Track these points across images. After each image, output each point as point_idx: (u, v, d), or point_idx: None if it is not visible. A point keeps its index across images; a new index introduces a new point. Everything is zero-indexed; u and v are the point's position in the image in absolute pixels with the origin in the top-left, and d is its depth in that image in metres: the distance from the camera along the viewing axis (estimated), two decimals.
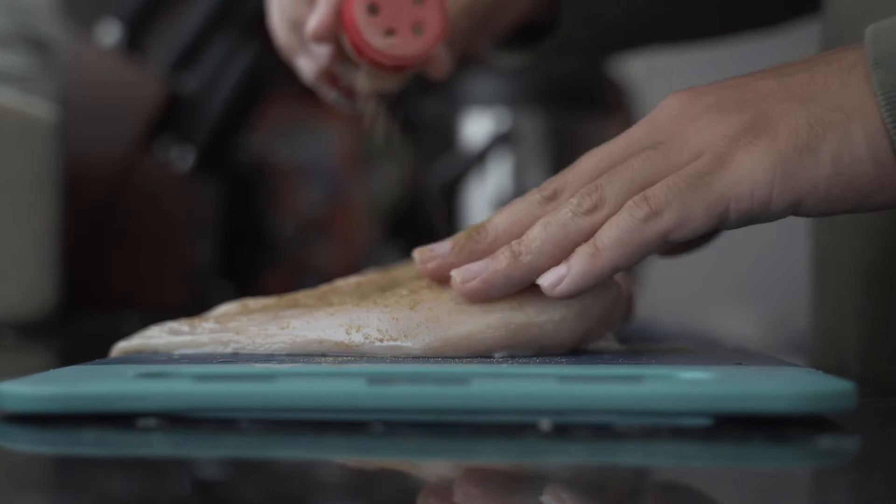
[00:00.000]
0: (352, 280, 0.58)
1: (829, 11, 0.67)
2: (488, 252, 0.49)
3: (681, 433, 0.37)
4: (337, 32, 0.60)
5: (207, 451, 0.36)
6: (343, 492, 0.32)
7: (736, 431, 0.37)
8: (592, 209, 0.47)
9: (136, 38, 1.15)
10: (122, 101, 1.12)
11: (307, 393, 0.38)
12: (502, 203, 1.31)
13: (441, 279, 0.50)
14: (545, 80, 1.37)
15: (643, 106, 1.48)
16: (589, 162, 0.50)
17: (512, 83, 1.37)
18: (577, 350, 0.51)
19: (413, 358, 0.48)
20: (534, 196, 0.50)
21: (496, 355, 0.49)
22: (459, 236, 0.51)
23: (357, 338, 0.49)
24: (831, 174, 0.46)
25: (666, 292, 1.60)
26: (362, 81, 0.63)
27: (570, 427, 0.38)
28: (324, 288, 0.57)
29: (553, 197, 0.49)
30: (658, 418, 0.38)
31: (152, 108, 1.12)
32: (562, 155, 1.34)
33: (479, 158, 1.36)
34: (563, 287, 0.47)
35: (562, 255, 0.47)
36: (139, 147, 1.12)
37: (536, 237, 0.48)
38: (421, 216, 1.52)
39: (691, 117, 0.48)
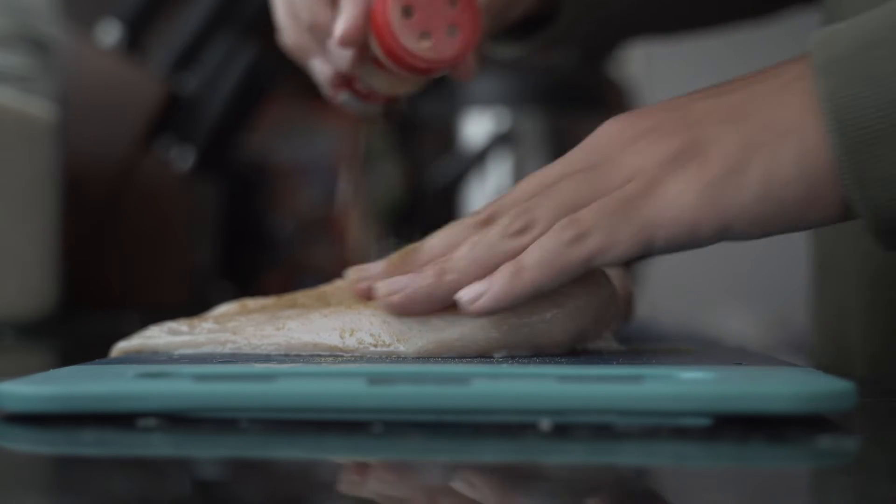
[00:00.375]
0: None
1: (828, 3, 0.67)
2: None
3: (681, 433, 0.37)
4: (365, 36, 0.59)
5: (207, 451, 0.36)
6: (343, 492, 0.32)
7: (736, 431, 0.37)
8: (521, 231, 0.47)
9: (136, 38, 1.15)
10: (122, 101, 1.12)
11: (307, 393, 0.38)
12: None
13: (370, 299, 0.50)
14: (545, 80, 1.37)
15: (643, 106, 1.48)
16: (525, 186, 0.49)
17: (512, 83, 1.37)
18: (576, 350, 0.51)
19: (412, 359, 0.48)
20: (469, 220, 0.49)
21: (496, 355, 0.49)
22: (393, 257, 0.51)
23: (351, 342, 0.49)
24: (760, 197, 0.45)
25: (666, 292, 1.60)
26: (383, 84, 0.62)
27: (570, 427, 0.38)
28: (323, 288, 0.57)
29: (488, 221, 0.48)
30: (658, 418, 0.38)
31: (152, 108, 1.12)
32: (561, 155, 1.35)
33: (479, 158, 1.36)
34: (481, 304, 0.46)
35: (487, 275, 0.47)
36: (139, 147, 1.12)
37: (463, 257, 0.47)
38: (421, 216, 1.52)
39: (628, 140, 0.48)
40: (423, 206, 1.51)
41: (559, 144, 1.33)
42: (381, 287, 0.48)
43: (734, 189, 0.45)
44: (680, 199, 0.45)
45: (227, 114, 1.16)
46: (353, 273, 0.51)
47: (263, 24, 1.28)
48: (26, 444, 0.38)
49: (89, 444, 0.37)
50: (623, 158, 0.47)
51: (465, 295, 0.47)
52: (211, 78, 1.16)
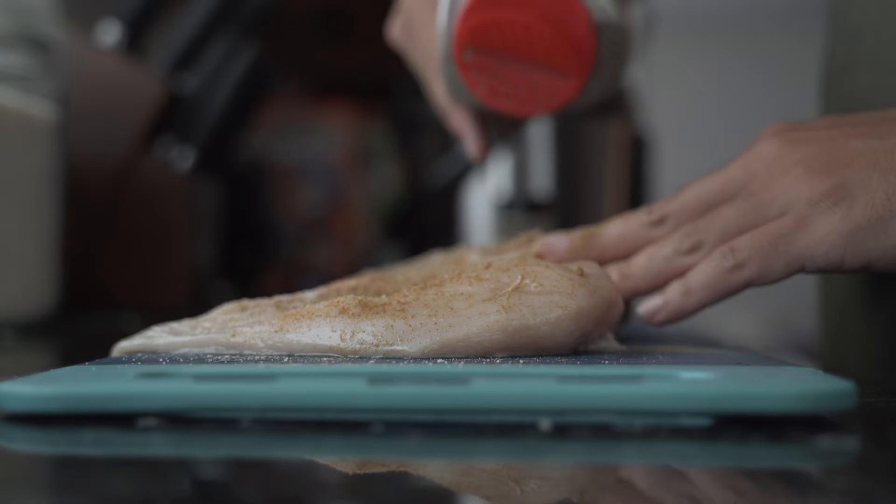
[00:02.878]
0: (350, 282, 0.58)
1: (834, 12, 0.67)
2: (596, 258, 0.56)
3: (681, 433, 0.37)
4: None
5: (207, 451, 0.36)
6: (343, 492, 0.32)
7: (736, 431, 0.37)
8: (691, 251, 0.54)
9: (136, 38, 1.15)
10: (122, 101, 1.12)
11: (307, 393, 0.38)
12: (502, 204, 1.32)
13: None
14: None
15: (643, 108, 1.48)
16: (691, 195, 0.56)
17: None
18: (577, 350, 0.51)
19: (414, 360, 0.48)
20: (642, 217, 0.57)
21: (497, 356, 0.49)
22: (576, 238, 0.58)
23: (352, 343, 0.49)
24: None
25: None
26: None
27: (570, 427, 0.38)
28: (322, 290, 0.57)
29: (659, 222, 0.56)
30: (658, 418, 0.38)
31: (152, 109, 1.12)
32: (562, 154, 1.34)
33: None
34: (661, 317, 0.54)
35: (659, 283, 0.55)
36: (139, 147, 1.12)
37: (642, 267, 0.55)
38: (421, 216, 1.52)
39: (781, 170, 0.53)
40: (423, 206, 1.51)
41: (559, 144, 1.33)
42: None
43: (878, 235, 0.51)
44: (828, 238, 0.51)
45: (227, 114, 1.16)
46: (539, 246, 0.58)
47: (263, 24, 1.28)
48: (26, 444, 0.38)
49: (89, 444, 0.37)
50: (776, 190, 0.53)
51: (645, 309, 0.55)
52: (211, 78, 1.16)
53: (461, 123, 0.69)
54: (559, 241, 0.58)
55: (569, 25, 0.57)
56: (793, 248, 0.52)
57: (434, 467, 0.36)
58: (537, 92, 0.59)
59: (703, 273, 0.53)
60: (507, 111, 0.60)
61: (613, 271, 0.56)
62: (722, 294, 0.53)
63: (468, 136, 0.69)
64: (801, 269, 0.52)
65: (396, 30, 0.71)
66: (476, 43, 0.58)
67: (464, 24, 0.58)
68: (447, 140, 1.43)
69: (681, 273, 0.54)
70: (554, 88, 0.59)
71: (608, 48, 0.60)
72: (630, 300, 0.57)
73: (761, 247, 0.52)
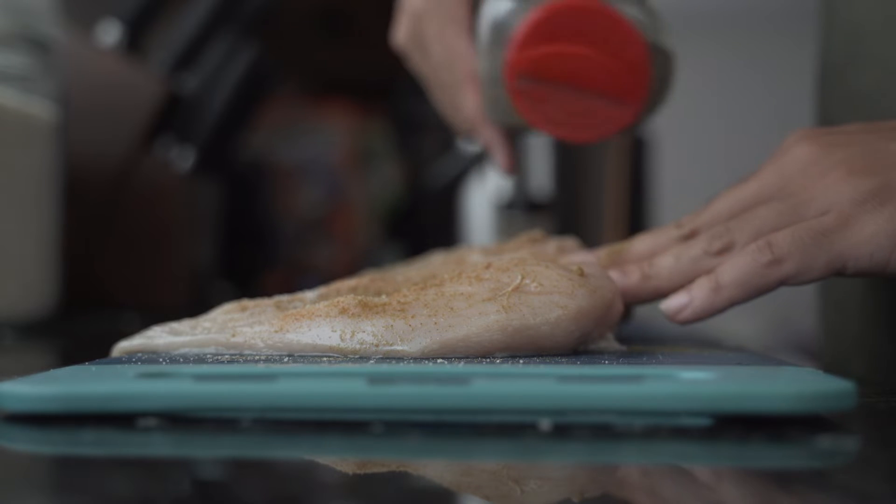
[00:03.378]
0: (350, 282, 0.58)
1: (831, 14, 0.67)
2: None
3: (681, 433, 0.37)
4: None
5: (207, 451, 0.36)
6: (343, 492, 0.32)
7: (736, 431, 0.37)
8: (722, 251, 0.52)
9: (136, 38, 1.15)
10: (122, 101, 1.12)
11: (307, 393, 0.38)
12: (501, 204, 1.32)
13: None
14: None
15: None
16: (722, 204, 0.54)
17: None
18: (577, 350, 0.51)
19: (414, 360, 0.48)
20: (672, 231, 0.55)
21: (497, 356, 0.49)
22: (602, 254, 0.56)
23: (352, 343, 0.49)
24: None
25: None
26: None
27: (570, 427, 0.38)
28: (322, 290, 0.57)
29: (690, 235, 0.54)
30: (658, 418, 0.38)
31: (152, 109, 1.12)
32: (562, 155, 1.34)
33: (478, 158, 1.36)
34: (685, 315, 0.52)
35: (685, 284, 0.52)
36: (139, 147, 1.12)
37: (667, 266, 0.53)
38: (421, 216, 1.52)
39: (820, 172, 0.51)
40: (423, 206, 1.51)
41: (559, 144, 1.33)
42: None
43: None
44: (875, 238, 0.49)
45: (227, 114, 1.16)
46: (563, 262, 0.55)
47: (263, 24, 1.28)
48: (26, 444, 0.38)
49: (89, 444, 0.37)
50: (816, 190, 0.51)
51: (670, 306, 0.52)
52: (211, 78, 1.16)
53: (492, 138, 0.68)
54: (586, 258, 0.56)
55: (627, 55, 0.56)
56: (836, 245, 0.49)
57: (434, 467, 0.36)
58: (592, 119, 0.58)
59: (737, 268, 0.50)
60: (561, 137, 0.60)
61: (635, 271, 0.54)
62: (755, 291, 0.50)
63: (498, 151, 0.68)
64: (842, 270, 0.50)
65: (402, 35, 0.70)
66: (532, 73, 0.57)
67: (520, 54, 0.57)
68: (447, 140, 1.43)
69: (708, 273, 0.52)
70: (610, 116, 0.58)
71: (658, 72, 0.59)
72: (647, 302, 0.55)
73: (802, 242, 0.50)
